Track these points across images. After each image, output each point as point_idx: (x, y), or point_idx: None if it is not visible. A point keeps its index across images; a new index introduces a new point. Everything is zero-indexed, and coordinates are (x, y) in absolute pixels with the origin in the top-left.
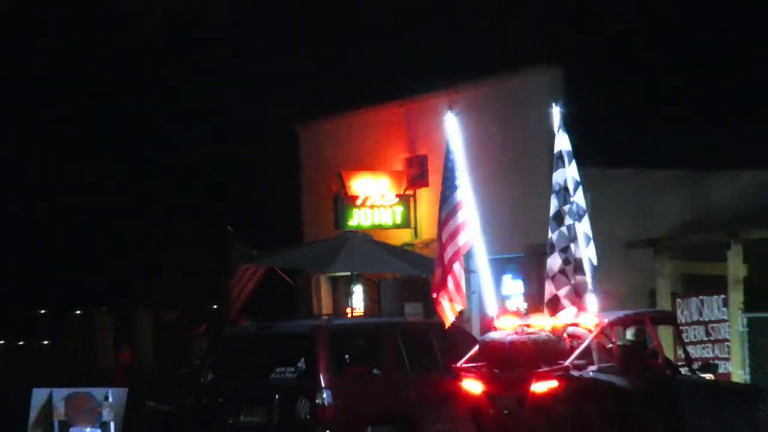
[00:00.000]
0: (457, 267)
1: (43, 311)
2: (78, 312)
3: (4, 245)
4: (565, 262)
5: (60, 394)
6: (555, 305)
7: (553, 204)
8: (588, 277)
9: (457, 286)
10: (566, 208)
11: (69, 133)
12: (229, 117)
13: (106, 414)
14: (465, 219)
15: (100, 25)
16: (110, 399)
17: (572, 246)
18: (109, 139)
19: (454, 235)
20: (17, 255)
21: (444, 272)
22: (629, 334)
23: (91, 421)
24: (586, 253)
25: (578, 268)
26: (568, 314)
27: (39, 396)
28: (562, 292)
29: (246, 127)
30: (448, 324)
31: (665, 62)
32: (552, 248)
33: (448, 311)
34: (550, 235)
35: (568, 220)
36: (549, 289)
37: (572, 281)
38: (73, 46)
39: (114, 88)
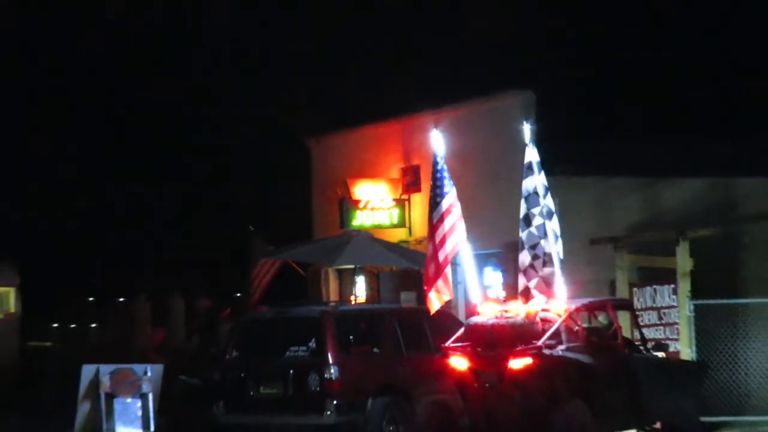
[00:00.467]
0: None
1: (91, 299)
2: (120, 299)
3: (57, 244)
4: (534, 257)
5: (106, 369)
6: (526, 294)
7: (523, 207)
8: (556, 269)
9: (446, 280)
10: (535, 210)
11: (107, 137)
12: (250, 132)
13: (145, 386)
14: (453, 223)
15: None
16: (149, 374)
17: (542, 242)
18: (144, 148)
19: (443, 240)
20: (69, 251)
21: (437, 272)
22: (602, 318)
23: (132, 393)
24: (555, 248)
25: (547, 262)
26: (537, 302)
27: (87, 371)
28: (532, 284)
29: (265, 141)
30: (432, 311)
31: (622, 85)
32: (522, 246)
33: (435, 301)
34: (520, 234)
35: (537, 221)
36: (521, 281)
37: (540, 273)
38: (102, 51)
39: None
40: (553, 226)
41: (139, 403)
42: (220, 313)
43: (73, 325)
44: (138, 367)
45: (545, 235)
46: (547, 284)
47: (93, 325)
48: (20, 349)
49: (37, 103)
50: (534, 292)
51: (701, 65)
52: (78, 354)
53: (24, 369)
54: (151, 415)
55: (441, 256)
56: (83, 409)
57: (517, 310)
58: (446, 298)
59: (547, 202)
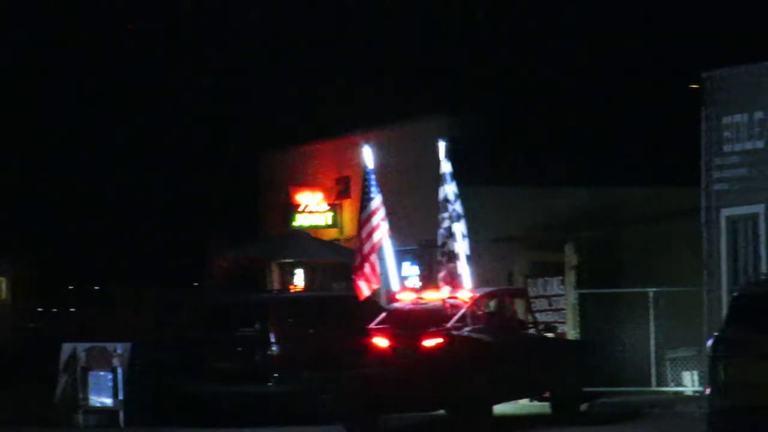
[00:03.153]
0: (374, 257)
1: (71, 287)
2: (96, 287)
3: (44, 239)
4: (442, 254)
5: (82, 346)
6: (438, 284)
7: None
8: (459, 265)
9: (373, 270)
10: (445, 214)
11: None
12: (208, 149)
13: (116, 361)
14: (378, 222)
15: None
16: (119, 351)
17: (449, 242)
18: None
19: (369, 234)
20: (54, 245)
21: (362, 261)
22: (492, 304)
23: (105, 367)
24: (461, 247)
25: (451, 258)
26: (443, 292)
27: (67, 348)
28: (440, 276)
29: (222, 157)
30: (361, 298)
31: (520, 108)
32: (436, 244)
33: (364, 289)
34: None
35: (445, 223)
36: (437, 274)
37: (446, 268)
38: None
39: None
40: (460, 227)
41: (110, 376)
42: (179, 300)
43: (54, 310)
44: (110, 345)
45: (451, 235)
46: (452, 277)
47: (71, 310)
48: (11, 331)
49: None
50: (440, 283)
51: (589, 88)
52: (60, 334)
53: (13, 347)
54: (120, 385)
55: (366, 249)
56: (63, 380)
57: (431, 298)
58: (374, 286)
59: (456, 207)
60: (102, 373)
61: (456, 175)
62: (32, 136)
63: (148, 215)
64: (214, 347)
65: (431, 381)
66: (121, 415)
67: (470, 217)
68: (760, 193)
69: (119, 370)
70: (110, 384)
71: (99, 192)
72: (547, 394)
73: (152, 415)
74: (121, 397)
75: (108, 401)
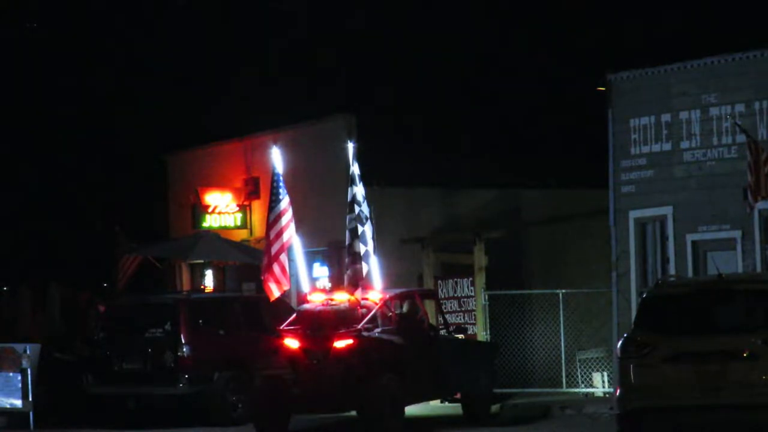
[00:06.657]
0: (284, 257)
1: None
2: (5, 288)
3: None
4: (348, 255)
5: None
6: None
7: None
8: (363, 267)
9: (283, 271)
10: (352, 215)
11: None
12: (116, 149)
13: (25, 362)
14: (286, 223)
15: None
16: (28, 352)
17: (355, 243)
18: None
19: (278, 235)
20: None
21: (270, 261)
22: (405, 306)
23: (14, 368)
24: (369, 248)
25: (356, 260)
26: (356, 294)
27: None
28: (346, 277)
29: (130, 157)
30: (272, 299)
31: (430, 110)
32: (343, 245)
33: (274, 290)
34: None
35: (351, 224)
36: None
37: (350, 270)
38: None
39: None
40: (368, 229)
41: (19, 377)
42: (92, 302)
43: None
44: (19, 346)
45: (357, 237)
46: (356, 278)
47: None
48: None
49: None
50: (347, 284)
51: (496, 89)
52: None
53: None
54: (30, 387)
55: (274, 249)
56: None
57: (342, 299)
58: (285, 287)
59: (363, 208)
60: (11, 374)
61: (363, 177)
62: None
63: (55, 215)
64: (123, 348)
65: (342, 382)
66: (32, 416)
67: (378, 218)
68: (667, 194)
69: (29, 371)
70: (20, 385)
71: (1, 190)
72: (458, 396)
73: (61, 417)
74: (30, 398)
75: (17, 402)
